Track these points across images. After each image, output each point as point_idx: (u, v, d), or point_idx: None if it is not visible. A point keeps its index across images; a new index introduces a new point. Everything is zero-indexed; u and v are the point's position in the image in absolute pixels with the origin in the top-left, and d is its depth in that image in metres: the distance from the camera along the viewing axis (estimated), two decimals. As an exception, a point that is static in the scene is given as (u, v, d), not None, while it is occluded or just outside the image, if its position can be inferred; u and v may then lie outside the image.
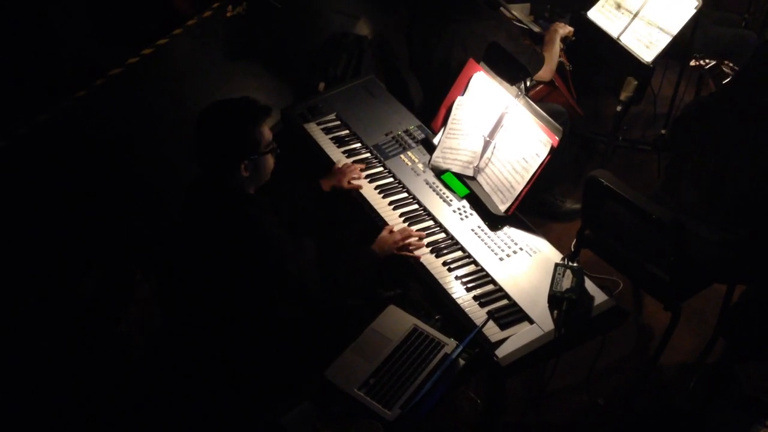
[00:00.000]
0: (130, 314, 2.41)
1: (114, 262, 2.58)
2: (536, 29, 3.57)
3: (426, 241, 2.49)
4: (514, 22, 3.50)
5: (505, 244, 2.47)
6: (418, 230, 2.53)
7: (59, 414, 2.29)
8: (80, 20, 2.95)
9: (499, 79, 2.68)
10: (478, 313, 2.24)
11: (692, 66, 3.24)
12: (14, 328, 2.32)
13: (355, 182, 2.72)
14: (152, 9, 3.24)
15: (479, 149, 2.65)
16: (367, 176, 2.77)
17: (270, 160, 2.30)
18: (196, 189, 2.31)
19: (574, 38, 3.46)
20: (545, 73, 3.30)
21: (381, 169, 2.82)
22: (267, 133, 2.25)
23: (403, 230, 2.51)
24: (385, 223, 2.59)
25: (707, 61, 3.15)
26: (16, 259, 2.43)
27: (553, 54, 3.36)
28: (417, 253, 2.46)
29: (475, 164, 2.65)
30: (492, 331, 2.19)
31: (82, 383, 2.34)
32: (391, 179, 2.76)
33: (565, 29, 3.43)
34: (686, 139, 2.74)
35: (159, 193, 2.94)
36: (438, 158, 2.75)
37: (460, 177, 2.68)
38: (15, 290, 2.39)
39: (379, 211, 2.64)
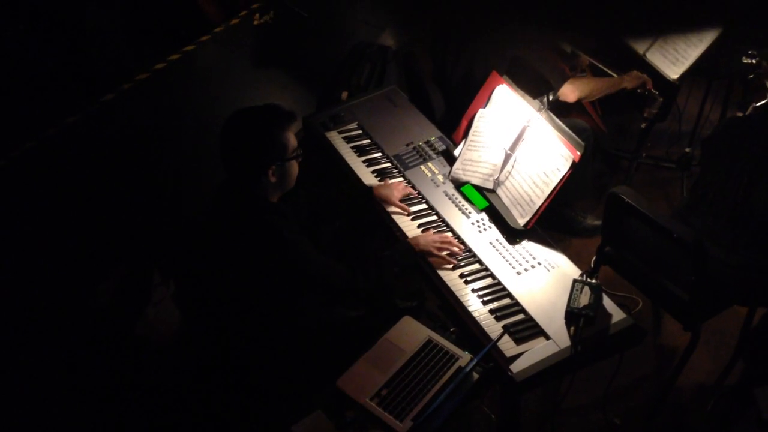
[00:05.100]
0: (147, 317, 2.42)
1: (133, 264, 2.61)
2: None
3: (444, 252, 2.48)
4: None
5: (523, 258, 2.45)
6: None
7: (74, 416, 2.31)
8: (111, 24, 3.00)
9: (521, 92, 2.68)
10: (493, 327, 2.23)
11: (745, 63, 3.08)
12: (31, 329, 2.35)
13: (402, 204, 2.68)
14: (182, 15, 3.29)
15: (500, 162, 2.64)
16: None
17: (295, 166, 2.31)
18: (221, 195, 2.33)
19: (647, 91, 3.33)
20: (570, 94, 3.21)
21: (401, 179, 2.82)
22: (293, 139, 2.26)
23: (443, 235, 2.51)
24: (403, 233, 2.59)
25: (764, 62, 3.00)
26: (36, 260, 2.46)
27: (596, 87, 3.24)
28: (446, 262, 2.44)
29: (495, 177, 2.64)
30: (507, 345, 2.17)
31: (98, 385, 2.36)
32: (411, 190, 2.76)
33: (638, 81, 3.30)
34: (713, 160, 2.71)
35: (180, 197, 2.97)
36: (458, 170, 2.75)
37: (479, 189, 2.68)
38: (33, 291, 2.42)
39: (397, 220, 2.64)
